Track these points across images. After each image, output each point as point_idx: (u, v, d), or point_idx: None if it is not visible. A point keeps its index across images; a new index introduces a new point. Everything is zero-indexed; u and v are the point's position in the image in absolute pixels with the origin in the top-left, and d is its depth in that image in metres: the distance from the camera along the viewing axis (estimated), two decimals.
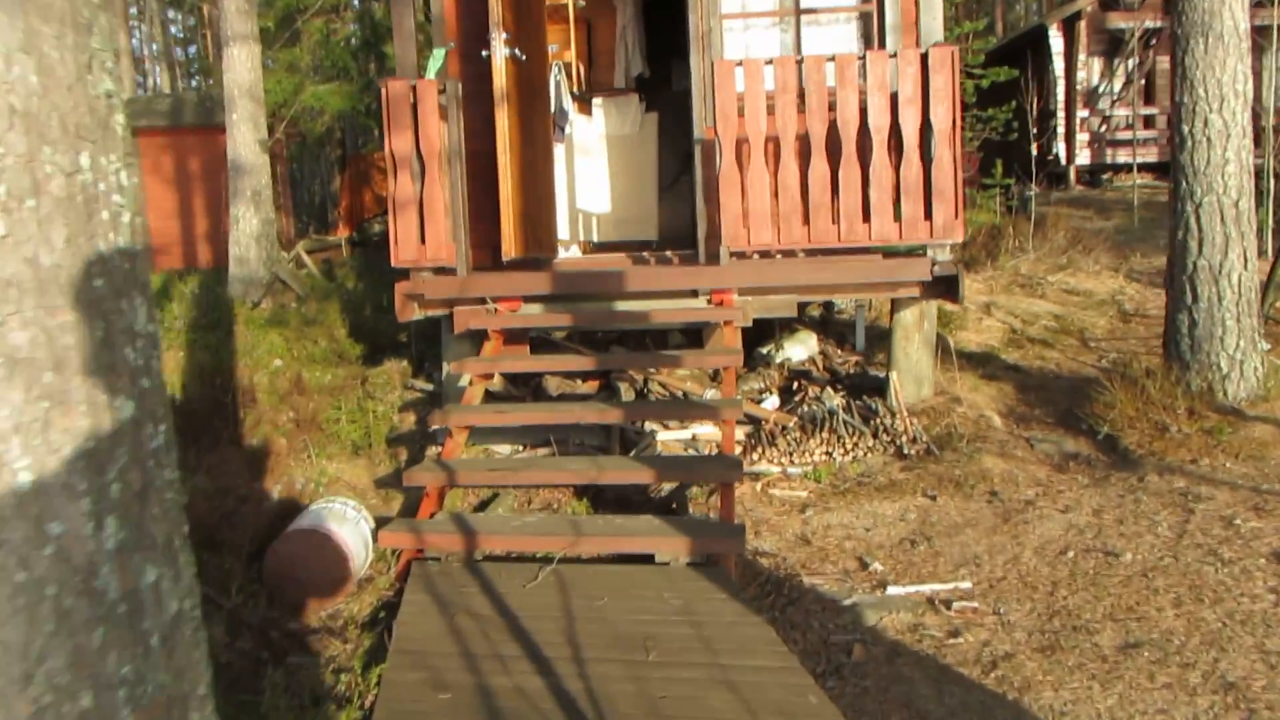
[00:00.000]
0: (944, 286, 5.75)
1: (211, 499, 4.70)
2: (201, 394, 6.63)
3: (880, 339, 7.88)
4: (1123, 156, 18.52)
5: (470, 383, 5.40)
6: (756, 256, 5.93)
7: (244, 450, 5.99)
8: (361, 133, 19.17)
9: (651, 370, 6.34)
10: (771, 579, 4.16)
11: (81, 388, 1.28)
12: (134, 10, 33.16)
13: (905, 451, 5.74)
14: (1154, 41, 18.25)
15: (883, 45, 6.31)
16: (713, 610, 3.58)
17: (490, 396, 6.46)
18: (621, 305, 5.91)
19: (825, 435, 5.83)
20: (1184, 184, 5.71)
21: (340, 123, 15.71)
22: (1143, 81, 17.84)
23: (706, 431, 5.79)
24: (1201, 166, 5.59)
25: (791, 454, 5.78)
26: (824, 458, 5.77)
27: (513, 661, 3.29)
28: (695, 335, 6.85)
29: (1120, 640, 3.36)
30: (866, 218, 5.62)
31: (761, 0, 6.67)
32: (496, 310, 5.94)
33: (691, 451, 5.79)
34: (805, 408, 6.43)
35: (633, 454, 5.72)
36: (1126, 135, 18.49)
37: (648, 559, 4.04)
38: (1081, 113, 18.68)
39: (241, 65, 9.79)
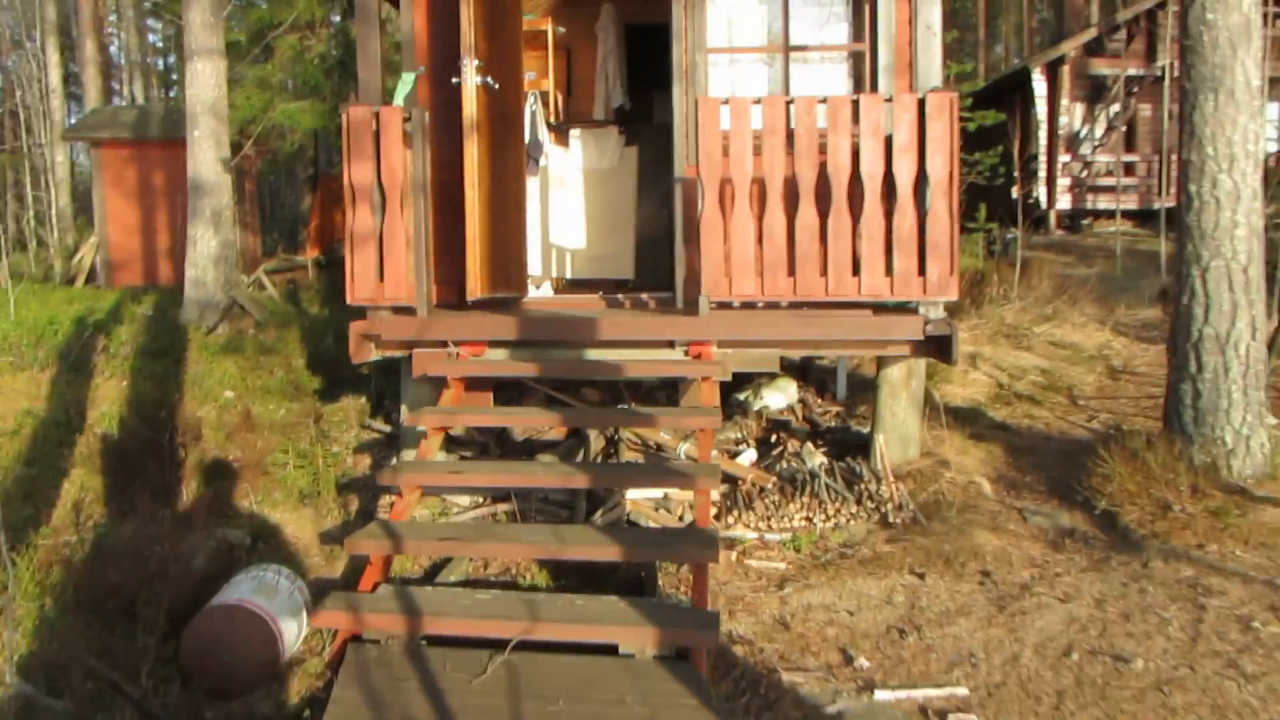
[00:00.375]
0: (936, 346, 5.41)
1: (132, 559, 4.24)
2: (140, 431, 6.17)
3: (862, 388, 7.54)
4: (1103, 202, 18.44)
5: (426, 435, 4.98)
6: (738, 305, 5.57)
7: (178, 497, 5.54)
8: (335, 151, 18.75)
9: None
10: (747, 673, 3.76)
11: None
12: (113, 17, 32.63)
13: (890, 520, 5.38)
14: (1136, 89, 18.22)
15: (874, 86, 6.00)
16: None
17: (451, 441, 6.05)
18: (593, 354, 5.52)
19: (806, 499, 5.46)
20: (1190, 246, 5.42)
21: (313, 140, 15.25)
22: (1124, 128, 17.76)
23: (680, 492, 5.40)
24: (1209, 229, 5.29)
25: (770, 518, 5.41)
26: (804, 523, 5.40)
27: None
28: (672, 383, 6.48)
29: None
30: (856, 271, 5.28)
31: (749, 35, 6.35)
32: (459, 355, 5.53)
33: (663, 511, 5.39)
34: (785, 464, 6.07)
35: (600, 513, 5.32)
36: (1107, 181, 18.41)
37: (611, 648, 3.64)
38: (1063, 157, 18.60)
39: (205, 81, 9.38)
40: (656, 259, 8.06)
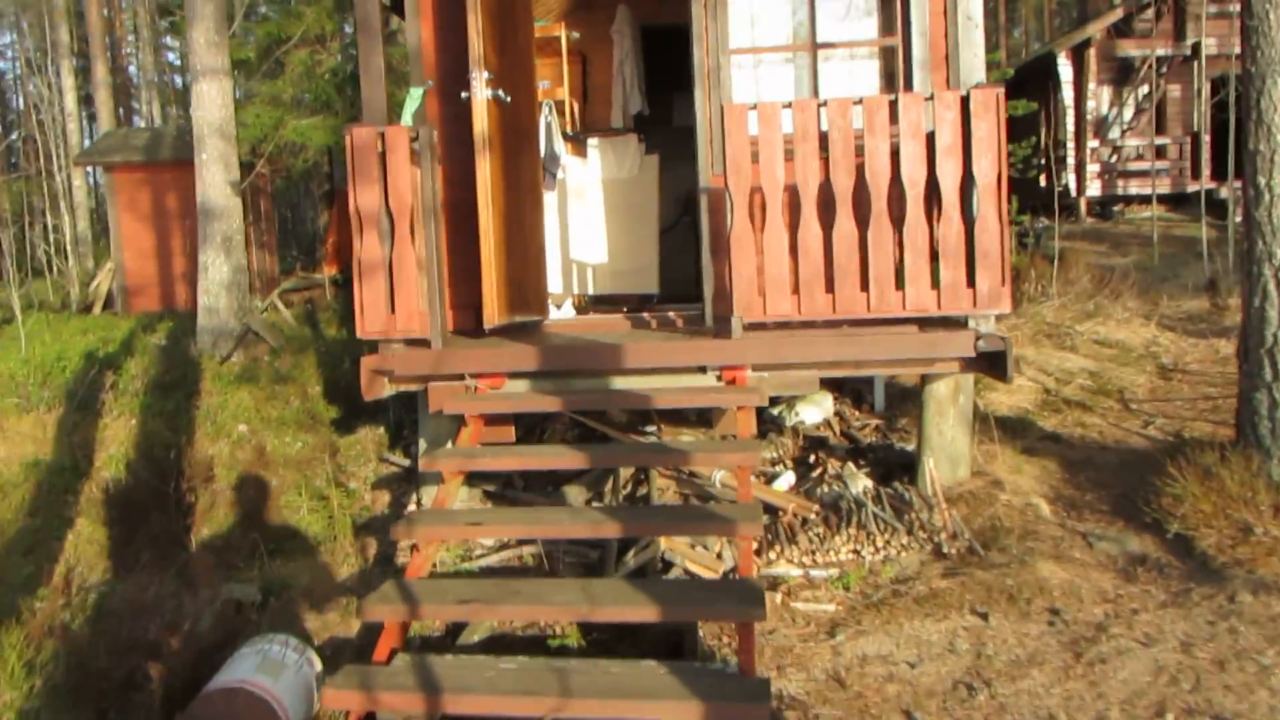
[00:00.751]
0: (988, 362, 5.02)
1: (131, 627, 3.94)
2: (147, 477, 5.88)
3: (901, 397, 7.16)
4: (1134, 187, 17.91)
5: (443, 479, 4.64)
6: (772, 325, 5.21)
7: (186, 548, 5.24)
8: None
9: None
10: None
11: None
12: (131, 37, 32.68)
13: (945, 550, 5.00)
14: (1164, 69, 17.65)
15: (908, 84, 5.62)
16: None
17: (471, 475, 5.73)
18: (619, 382, 5.17)
19: (852, 530, 5.09)
20: (1260, 244, 5.00)
21: (327, 156, 14.97)
22: (1153, 110, 17.21)
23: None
24: None
25: (814, 552, 5.04)
26: (852, 556, 5.03)
27: None
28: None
29: None
30: (900, 284, 4.89)
31: (773, 34, 5.97)
32: (477, 388, 5.20)
33: (700, 549, 5.04)
34: (826, 488, 5.71)
35: (632, 553, 4.96)
36: (1137, 166, 17.87)
37: None
38: (1091, 143, 18.08)
39: (211, 102, 9.12)
40: (681, 270, 7.71)
